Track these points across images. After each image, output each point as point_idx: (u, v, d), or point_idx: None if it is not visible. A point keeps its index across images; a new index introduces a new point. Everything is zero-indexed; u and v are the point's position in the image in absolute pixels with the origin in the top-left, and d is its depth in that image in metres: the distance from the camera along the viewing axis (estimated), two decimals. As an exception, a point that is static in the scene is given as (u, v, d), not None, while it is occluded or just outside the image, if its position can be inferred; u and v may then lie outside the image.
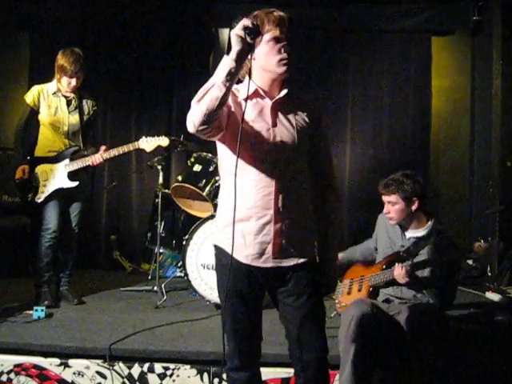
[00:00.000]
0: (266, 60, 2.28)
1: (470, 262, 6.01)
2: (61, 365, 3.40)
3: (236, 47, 2.10)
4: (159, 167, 5.14)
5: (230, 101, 2.29)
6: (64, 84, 4.46)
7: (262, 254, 2.31)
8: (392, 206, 3.39)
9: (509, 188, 5.72)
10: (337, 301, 3.74)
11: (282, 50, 2.25)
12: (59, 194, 4.49)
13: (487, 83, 5.95)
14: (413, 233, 3.44)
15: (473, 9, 6.09)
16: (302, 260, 2.36)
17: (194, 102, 2.15)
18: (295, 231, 2.35)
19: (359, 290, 3.54)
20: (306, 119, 2.38)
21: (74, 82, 4.44)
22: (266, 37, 2.25)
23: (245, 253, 2.32)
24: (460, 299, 4.86)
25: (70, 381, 3.39)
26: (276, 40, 2.25)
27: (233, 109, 2.31)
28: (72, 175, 4.49)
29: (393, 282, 3.35)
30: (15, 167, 4.51)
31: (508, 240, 5.56)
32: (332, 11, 6.26)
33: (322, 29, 6.33)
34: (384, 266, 3.42)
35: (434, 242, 3.35)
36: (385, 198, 3.42)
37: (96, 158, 4.47)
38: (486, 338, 3.81)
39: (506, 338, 3.80)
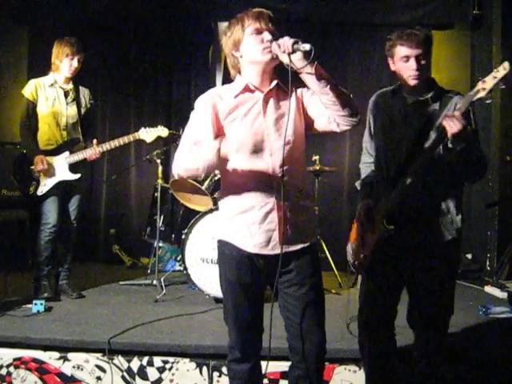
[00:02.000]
0: (252, 52, 2.34)
1: (468, 256, 6.03)
2: (60, 358, 3.41)
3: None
4: (158, 161, 5.15)
5: (217, 109, 2.38)
6: (65, 69, 4.46)
7: (268, 241, 2.34)
8: (416, 59, 2.85)
9: (508, 182, 5.72)
10: (355, 262, 2.97)
11: (264, 39, 2.29)
12: (59, 188, 4.49)
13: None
14: (415, 97, 2.88)
15: (472, 3, 6.07)
16: (306, 244, 2.41)
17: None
18: (299, 216, 2.39)
19: (373, 232, 2.85)
20: (297, 106, 2.41)
21: (75, 63, 4.46)
22: (248, 31, 2.33)
23: (252, 242, 2.36)
24: (459, 293, 4.89)
25: (69, 374, 3.40)
26: (257, 31, 2.32)
27: (221, 114, 2.38)
28: (72, 167, 4.50)
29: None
30: (18, 161, 4.52)
31: (507, 234, 5.56)
32: (331, 4, 6.24)
33: (321, 22, 6.32)
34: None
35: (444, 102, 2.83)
36: (410, 52, 2.83)
37: (92, 154, 4.47)
38: (485, 333, 3.83)
39: (505, 333, 3.81)
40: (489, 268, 5.68)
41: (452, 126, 2.53)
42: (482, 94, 2.63)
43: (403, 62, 2.85)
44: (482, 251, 5.90)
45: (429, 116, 2.83)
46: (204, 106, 2.40)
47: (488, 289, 5.04)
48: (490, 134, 5.89)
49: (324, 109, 2.30)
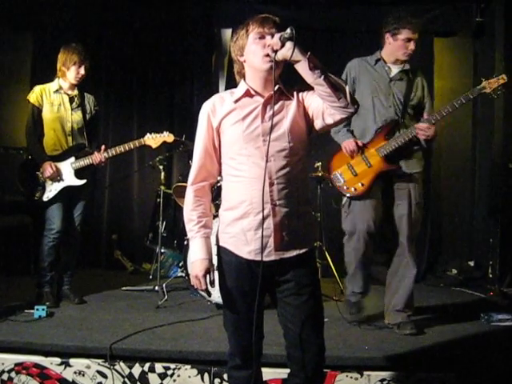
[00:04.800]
0: (254, 58, 2.35)
1: (471, 263, 6.02)
2: (61, 364, 3.40)
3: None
4: (161, 167, 5.15)
5: (212, 122, 2.41)
6: (72, 76, 4.48)
7: (264, 248, 2.32)
8: (414, 42, 3.90)
9: (511, 190, 5.71)
10: (345, 187, 3.97)
11: (267, 45, 2.29)
12: (63, 193, 4.50)
13: (489, 85, 5.93)
14: (398, 67, 3.98)
15: (475, 10, 6.08)
16: (303, 250, 2.39)
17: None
18: (295, 222, 2.37)
19: (369, 166, 3.91)
20: (297, 110, 2.41)
21: (82, 70, 4.49)
22: (252, 35, 2.34)
23: (247, 249, 2.35)
24: (461, 301, 4.89)
25: (70, 380, 3.39)
26: (260, 36, 2.33)
27: (217, 123, 2.41)
28: (78, 173, 4.51)
29: (410, 141, 3.89)
30: (23, 166, 4.55)
31: (509, 241, 5.55)
32: (334, 12, 6.25)
33: (324, 30, 6.33)
34: (386, 137, 3.89)
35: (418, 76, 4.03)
36: (413, 36, 3.86)
37: (97, 157, 4.48)
38: (487, 340, 3.82)
39: (507, 340, 3.80)
40: (491, 275, 5.67)
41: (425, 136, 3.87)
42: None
43: (405, 42, 3.87)
44: (484, 259, 5.89)
45: (408, 81, 3.96)
46: (201, 121, 2.45)
47: (490, 296, 5.02)
48: (493, 142, 5.89)
49: (321, 107, 2.32)
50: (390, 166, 3.91)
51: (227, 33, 6.44)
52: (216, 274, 2.48)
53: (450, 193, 6.45)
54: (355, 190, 3.94)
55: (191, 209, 2.44)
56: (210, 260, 2.42)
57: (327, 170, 4.12)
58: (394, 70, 3.98)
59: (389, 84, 3.96)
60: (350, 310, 4.14)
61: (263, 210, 2.30)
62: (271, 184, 2.31)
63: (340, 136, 4.02)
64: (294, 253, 2.37)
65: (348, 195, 3.99)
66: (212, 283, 2.41)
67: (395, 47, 3.93)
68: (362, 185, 3.92)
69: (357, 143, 3.94)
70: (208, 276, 2.40)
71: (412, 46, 3.88)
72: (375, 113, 3.95)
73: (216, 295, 4.09)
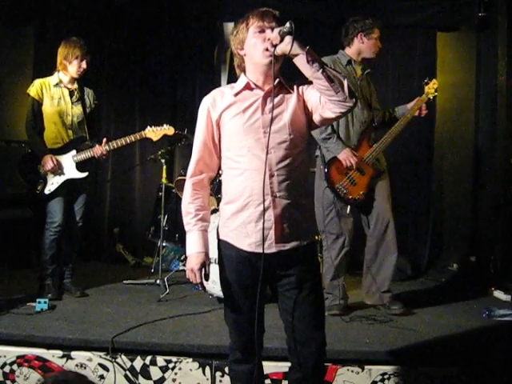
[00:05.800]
0: (254, 52, 2.36)
1: (472, 258, 6.01)
2: (63, 357, 3.41)
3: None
4: (163, 161, 5.16)
5: (211, 115, 2.42)
6: (74, 70, 4.49)
7: (264, 240, 2.32)
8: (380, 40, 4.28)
9: (512, 185, 5.72)
10: (350, 197, 4.17)
11: (266, 39, 2.30)
12: (65, 187, 4.50)
13: (492, 80, 5.92)
14: (362, 69, 4.27)
15: (478, 5, 6.05)
16: (304, 242, 2.39)
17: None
18: (295, 214, 2.37)
19: (363, 174, 4.17)
20: (298, 103, 2.41)
21: (84, 64, 4.50)
22: (252, 29, 2.35)
23: (248, 241, 2.36)
24: (462, 295, 4.89)
25: (72, 373, 3.40)
26: (260, 29, 2.34)
27: (217, 116, 2.41)
28: (79, 166, 4.51)
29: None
30: (25, 159, 4.55)
31: (511, 236, 5.55)
32: (337, 6, 6.23)
33: (326, 23, 6.31)
34: (370, 143, 4.23)
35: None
36: (380, 34, 4.23)
37: (98, 150, 4.48)
38: (488, 335, 3.82)
39: (508, 335, 3.80)
40: (493, 271, 5.67)
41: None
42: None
43: (377, 40, 4.22)
44: (486, 253, 5.89)
45: (368, 85, 4.33)
46: (201, 115, 2.46)
47: (491, 291, 5.01)
48: (495, 136, 5.88)
49: (319, 101, 2.33)
50: (377, 171, 4.24)
51: (229, 26, 6.42)
52: (214, 267, 2.48)
53: (451, 188, 6.45)
54: (358, 198, 4.18)
55: (189, 201, 2.44)
56: (207, 253, 2.41)
57: (328, 180, 4.16)
58: (359, 72, 4.25)
59: (359, 87, 4.18)
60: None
61: (264, 201, 2.30)
62: (271, 176, 2.32)
63: (330, 144, 4.09)
64: (294, 245, 2.37)
65: (352, 204, 4.20)
66: (206, 277, 2.41)
67: (368, 46, 4.20)
68: (363, 193, 4.18)
69: (355, 155, 4.12)
70: (203, 269, 2.39)
71: (380, 43, 4.25)
72: (352, 114, 4.17)
73: (218, 289, 4.10)
